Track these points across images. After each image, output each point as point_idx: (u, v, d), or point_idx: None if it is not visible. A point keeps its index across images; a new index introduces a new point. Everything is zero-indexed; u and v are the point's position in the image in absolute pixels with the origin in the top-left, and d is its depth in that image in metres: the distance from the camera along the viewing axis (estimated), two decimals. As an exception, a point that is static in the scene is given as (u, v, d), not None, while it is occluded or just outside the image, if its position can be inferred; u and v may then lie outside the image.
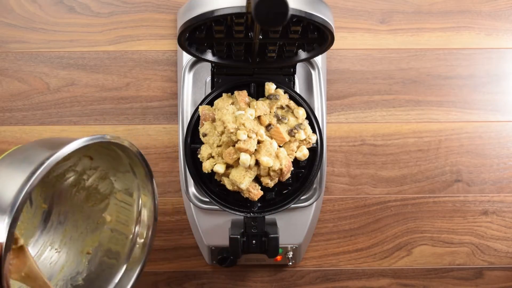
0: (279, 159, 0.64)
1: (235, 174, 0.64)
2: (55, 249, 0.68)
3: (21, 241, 0.50)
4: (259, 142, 0.64)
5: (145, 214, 0.64)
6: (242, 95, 0.67)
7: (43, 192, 0.69)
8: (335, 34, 0.56)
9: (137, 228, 0.65)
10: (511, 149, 0.83)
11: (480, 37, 0.83)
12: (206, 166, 0.66)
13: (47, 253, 0.68)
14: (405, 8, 0.83)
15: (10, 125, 0.81)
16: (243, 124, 0.63)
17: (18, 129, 0.81)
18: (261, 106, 0.66)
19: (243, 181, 0.64)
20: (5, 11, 0.81)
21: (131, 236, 0.65)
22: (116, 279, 0.63)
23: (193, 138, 0.69)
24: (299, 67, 0.74)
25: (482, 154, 0.83)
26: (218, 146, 0.65)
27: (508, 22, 0.83)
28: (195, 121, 0.69)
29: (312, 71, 0.76)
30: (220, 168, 0.64)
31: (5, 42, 0.81)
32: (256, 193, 0.65)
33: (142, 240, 0.64)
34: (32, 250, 0.68)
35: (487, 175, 0.83)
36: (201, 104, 0.69)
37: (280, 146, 0.66)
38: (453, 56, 0.83)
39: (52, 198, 0.69)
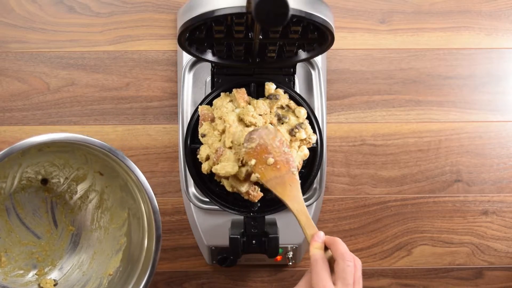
0: None
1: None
2: (83, 271, 0.68)
3: None
4: None
5: (151, 226, 0.63)
6: (240, 93, 0.67)
7: (69, 215, 0.70)
8: (335, 34, 0.56)
9: (145, 243, 0.64)
10: (511, 149, 0.83)
11: (480, 37, 0.83)
12: (205, 168, 0.66)
13: (75, 275, 0.68)
14: (405, 8, 0.83)
15: (10, 125, 0.81)
16: (250, 116, 0.63)
17: (18, 129, 0.81)
18: (261, 105, 0.66)
19: (243, 184, 0.64)
20: (5, 11, 0.81)
21: (143, 254, 0.64)
22: None
23: (193, 138, 0.69)
24: (299, 67, 0.74)
25: (482, 154, 0.83)
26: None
27: (508, 22, 0.83)
28: (195, 121, 0.69)
29: (312, 71, 0.76)
30: (230, 169, 0.63)
31: (5, 42, 0.81)
32: (256, 194, 0.65)
33: (148, 255, 0.64)
34: (59, 272, 0.68)
35: (487, 175, 0.83)
36: (201, 104, 0.69)
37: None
38: (453, 56, 0.83)
39: (80, 221, 0.70)
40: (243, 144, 0.60)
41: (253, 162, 0.59)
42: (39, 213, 0.69)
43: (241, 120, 0.65)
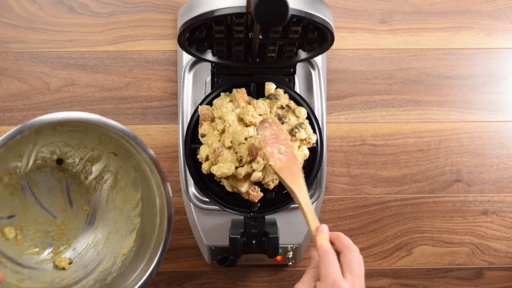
0: None
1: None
2: (97, 251, 0.69)
3: None
4: None
5: (163, 206, 0.64)
6: (240, 93, 0.67)
7: (84, 195, 0.70)
8: (335, 34, 0.56)
9: (157, 223, 0.64)
10: (511, 149, 0.83)
11: (480, 37, 0.83)
12: (205, 168, 0.66)
13: (89, 254, 0.69)
14: (405, 8, 0.83)
15: (10, 125, 0.81)
16: (250, 115, 0.63)
17: (18, 129, 0.81)
18: (261, 105, 0.66)
19: (243, 184, 0.64)
20: (5, 11, 0.81)
21: (155, 234, 0.64)
22: (133, 276, 0.63)
23: (193, 138, 0.69)
24: (299, 67, 0.74)
25: (482, 154, 0.83)
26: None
27: (508, 22, 0.83)
28: (195, 121, 0.69)
29: (312, 71, 0.76)
30: (226, 170, 0.64)
31: (5, 42, 0.81)
32: (256, 195, 0.65)
33: (160, 235, 0.64)
34: (74, 251, 0.69)
35: (487, 175, 0.83)
36: (201, 104, 0.69)
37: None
38: (453, 56, 0.83)
39: (95, 201, 0.70)
40: (256, 130, 0.61)
41: (269, 149, 0.58)
42: (55, 193, 0.69)
43: (241, 120, 0.65)
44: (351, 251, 0.51)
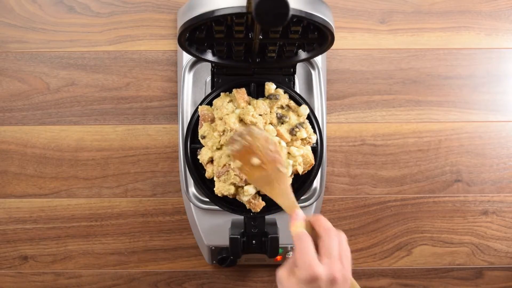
0: (293, 157, 0.65)
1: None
2: None
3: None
4: None
5: None
6: (240, 93, 0.67)
7: None
8: (335, 34, 0.56)
9: None
10: (511, 149, 0.83)
11: (480, 37, 0.83)
12: (209, 173, 0.66)
13: None
14: (405, 8, 0.83)
15: (10, 125, 0.81)
16: (250, 115, 0.63)
17: (18, 129, 0.81)
18: (261, 105, 0.66)
19: (244, 194, 0.64)
20: (5, 11, 0.81)
21: None
22: None
23: (193, 139, 0.69)
24: (299, 67, 0.74)
25: (482, 154, 0.83)
26: (218, 149, 0.65)
27: (508, 22, 0.83)
28: (195, 121, 0.69)
29: (312, 71, 0.76)
30: (225, 191, 0.64)
31: (5, 42, 0.81)
32: (257, 203, 0.65)
33: None
34: None
35: (487, 175, 0.83)
36: (201, 104, 0.69)
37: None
38: (453, 56, 0.83)
39: None
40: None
41: (238, 164, 0.59)
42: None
43: (241, 120, 0.65)
44: (328, 234, 0.49)
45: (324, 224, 0.51)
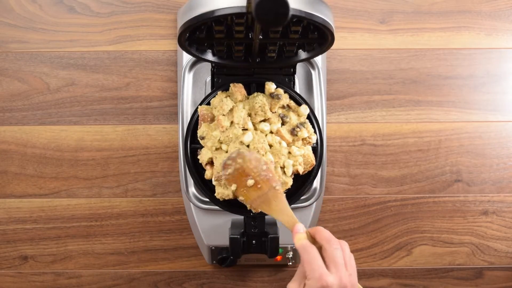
0: (293, 157, 0.65)
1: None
2: None
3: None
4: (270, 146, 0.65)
5: None
6: (238, 87, 0.67)
7: None
8: (335, 34, 0.56)
9: None
10: (511, 149, 0.83)
11: (480, 37, 0.83)
12: (208, 175, 0.66)
13: None
14: (405, 8, 0.83)
15: (10, 125, 0.81)
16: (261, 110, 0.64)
17: (18, 129, 0.81)
18: (260, 100, 0.66)
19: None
20: (5, 11, 0.81)
21: None
22: None
23: (193, 138, 0.69)
24: (299, 67, 0.74)
25: (482, 154, 0.83)
26: (217, 149, 0.65)
27: (508, 22, 0.83)
28: (195, 121, 0.69)
29: (312, 71, 0.76)
30: (225, 195, 0.64)
31: (5, 42, 0.81)
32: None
33: None
34: None
35: (487, 175, 0.83)
36: (201, 104, 0.69)
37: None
38: (453, 56, 0.83)
39: None
40: (220, 173, 0.62)
41: (233, 187, 0.60)
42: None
43: (249, 115, 0.65)
44: (330, 244, 0.50)
45: (325, 234, 0.52)
